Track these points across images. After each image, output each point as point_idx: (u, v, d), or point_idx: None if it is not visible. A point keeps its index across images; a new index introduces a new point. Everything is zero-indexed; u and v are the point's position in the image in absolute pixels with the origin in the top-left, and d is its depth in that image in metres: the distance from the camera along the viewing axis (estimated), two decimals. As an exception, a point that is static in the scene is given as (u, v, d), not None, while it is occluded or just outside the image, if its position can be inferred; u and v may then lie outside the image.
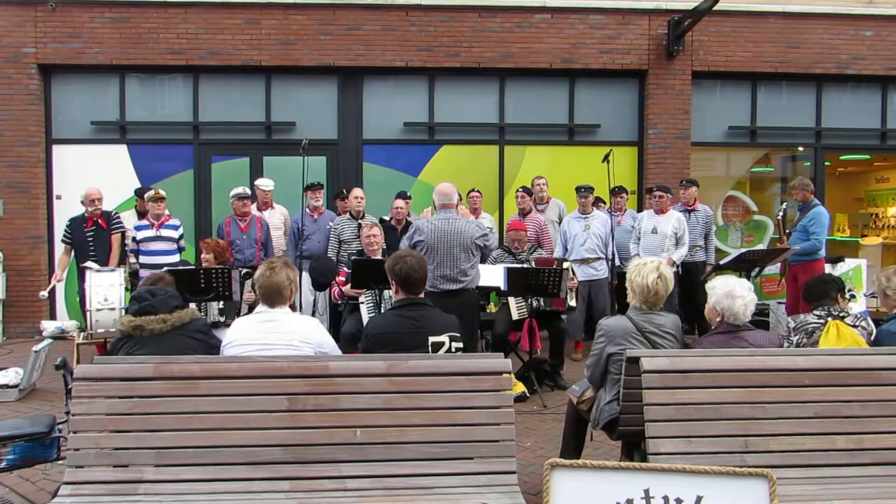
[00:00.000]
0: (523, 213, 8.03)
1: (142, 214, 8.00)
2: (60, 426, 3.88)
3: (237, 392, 3.08)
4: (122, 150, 9.62)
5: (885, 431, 3.21)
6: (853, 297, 6.96)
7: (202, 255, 6.77)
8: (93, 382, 3.06)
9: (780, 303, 8.40)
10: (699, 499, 2.06)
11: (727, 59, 9.74)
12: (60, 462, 4.23)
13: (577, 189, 7.76)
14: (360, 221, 7.57)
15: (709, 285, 3.85)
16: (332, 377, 3.12)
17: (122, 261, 7.62)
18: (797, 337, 3.91)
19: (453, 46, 9.45)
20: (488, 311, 7.50)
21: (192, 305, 4.46)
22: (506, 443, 3.07)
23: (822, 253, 7.23)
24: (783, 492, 2.94)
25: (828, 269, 7.63)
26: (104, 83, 9.60)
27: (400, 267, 3.73)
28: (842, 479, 3.11)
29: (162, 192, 7.64)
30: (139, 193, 8.40)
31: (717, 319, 3.75)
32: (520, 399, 5.89)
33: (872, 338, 3.92)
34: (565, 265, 6.96)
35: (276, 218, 8.30)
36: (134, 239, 7.53)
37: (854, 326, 3.79)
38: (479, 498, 2.84)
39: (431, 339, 3.64)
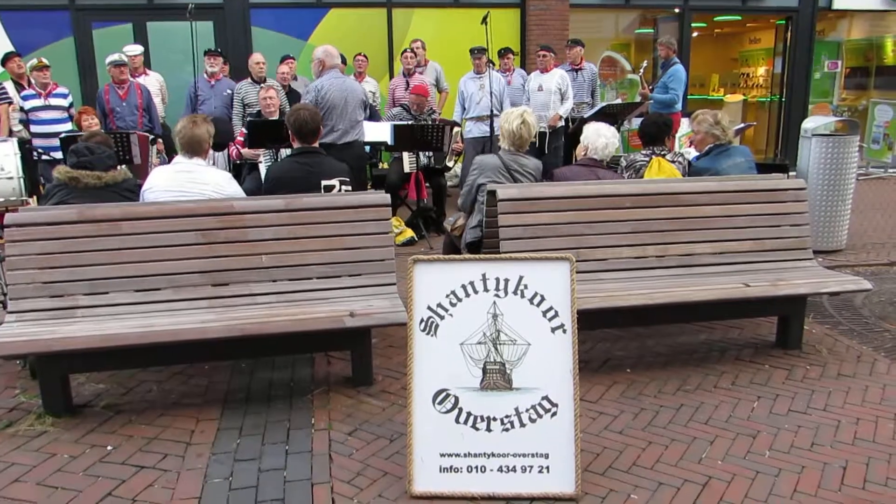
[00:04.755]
0: (408, 74, 8.45)
1: (17, 82, 7.88)
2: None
3: (156, 230, 3.59)
4: (-8, 17, 9.20)
5: (685, 241, 4.10)
6: (692, 143, 7.89)
7: (86, 123, 6.88)
8: (23, 227, 3.48)
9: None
10: (521, 277, 2.79)
11: (605, -79, 10.13)
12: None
13: (471, 51, 8.17)
14: (261, 86, 7.79)
15: (585, 126, 4.61)
16: (238, 214, 3.67)
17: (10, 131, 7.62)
18: (628, 174, 4.72)
19: None
20: (381, 167, 8.06)
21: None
22: (387, 261, 3.76)
23: (679, 107, 8.07)
24: (606, 287, 3.81)
25: (685, 122, 8.55)
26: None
27: (294, 118, 4.24)
28: (651, 277, 4.00)
29: (45, 61, 7.57)
30: (6, 58, 8.16)
31: (583, 154, 4.53)
32: (409, 243, 6.63)
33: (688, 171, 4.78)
34: (455, 129, 7.57)
35: (152, 84, 8.33)
36: (22, 109, 7.50)
37: (672, 162, 4.61)
38: (366, 302, 3.54)
39: (324, 182, 4.21)
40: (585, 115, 7.68)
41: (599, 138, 4.50)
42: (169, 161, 4.91)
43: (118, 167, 4.06)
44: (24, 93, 7.56)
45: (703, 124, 4.77)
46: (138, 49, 8.36)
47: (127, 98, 7.74)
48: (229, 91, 8.14)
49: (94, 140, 4.25)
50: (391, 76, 9.85)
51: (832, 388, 3.67)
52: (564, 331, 2.78)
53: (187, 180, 3.95)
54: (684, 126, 8.42)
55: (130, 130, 7.16)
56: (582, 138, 4.58)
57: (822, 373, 3.86)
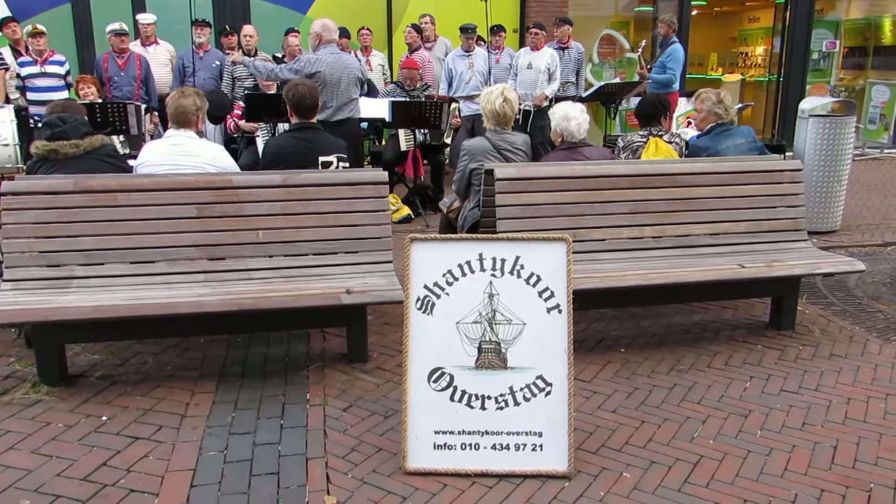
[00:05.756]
0: (411, 50, 8.36)
1: (14, 48, 7.78)
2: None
3: (152, 203, 3.57)
4: (-13, -19, 9.03)
5: (682, 222, 4.10)
6: (690, 123, 7.89)
7: (83, 92, 6.81)
8: (19, 196, 3.47)
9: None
10: (517, 258, 2.80)
11: None
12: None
13: (463, 29, 8.11)
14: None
15: (550, 112, 4.53)
16: (234, 188, 3.65)
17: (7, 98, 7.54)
18: (625, 154, 4.70)
19: None
20: (378, 144, 8.01)
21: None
22: (384, 239, 3.76)
23: (677, 86, 8.03)
24: (602, 267, 3.82)
25: (682, 102, 8.53)
26: None
27: (293, 93, 4.21)
28: (648, 258, 4.00)
29: (41, 27, 7.46)
30: (3, 24, 8.03)
31: (559, 140, 4.48)
32: (406, 220, 6.62)
33: (686, 151, 4.76)
34: (454, 105, 7.51)
35: (162, 54, 8.21)
36: (19, 75, 7.42)
37: (669, 142, 4.60)
38: (363, 279, 3.54)
39: (321, 158, 4.19)
40: (585, 95, 7.63)
41: (570, 122, 4.35)
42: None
43: (94, 133, 4.01)
44: (20, 59, 7.47)
45: (706, 103, 4.73)
46: (151, 18, 8.20)
47: (126, 68, 7.65)
48: (218, 63, 8.05)
49: (58, 109, 4.14)
50: (390, 51, 9.74)
51: (824, 368, 3.71)
52: (560, 311, 2.78)
53: (179, 153, 3.93)
54: (682, 106, 8.40)
55: (127, 101, 7.10)
56: (552, 126, 4.43)
57: (815, 353, 3.89)
